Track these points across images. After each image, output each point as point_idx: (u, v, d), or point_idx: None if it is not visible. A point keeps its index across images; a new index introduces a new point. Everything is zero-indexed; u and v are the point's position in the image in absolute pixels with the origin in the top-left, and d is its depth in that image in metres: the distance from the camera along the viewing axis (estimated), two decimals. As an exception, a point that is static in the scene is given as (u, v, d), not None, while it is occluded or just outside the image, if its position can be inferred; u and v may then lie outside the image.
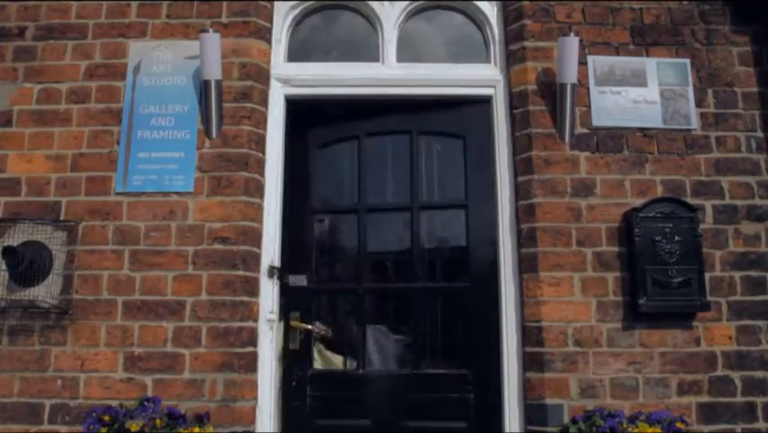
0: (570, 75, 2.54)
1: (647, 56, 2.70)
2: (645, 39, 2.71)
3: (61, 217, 2.49)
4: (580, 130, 2.62)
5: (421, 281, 2.80)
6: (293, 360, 2.69)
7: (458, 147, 2.86)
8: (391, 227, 2.97)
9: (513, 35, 2.75)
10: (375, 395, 2.69)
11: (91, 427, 2.14)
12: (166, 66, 2.65)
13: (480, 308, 2.65)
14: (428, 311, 2.83)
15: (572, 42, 2.53)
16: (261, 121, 2.67)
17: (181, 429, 2.18)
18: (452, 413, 2.61)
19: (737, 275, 2.51)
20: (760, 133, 2.66)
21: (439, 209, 2.92)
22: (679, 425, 2.19)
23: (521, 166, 2.63)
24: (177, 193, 2.52)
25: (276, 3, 2.85)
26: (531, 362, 2.44)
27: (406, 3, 2.92)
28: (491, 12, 2.89)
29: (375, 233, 2.88)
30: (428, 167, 2.92)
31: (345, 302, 3.02)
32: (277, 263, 2.62)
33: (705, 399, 2.38)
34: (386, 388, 2.71)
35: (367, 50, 2.92)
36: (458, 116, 2.86)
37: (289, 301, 2.71)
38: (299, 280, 2.72)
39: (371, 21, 2.95)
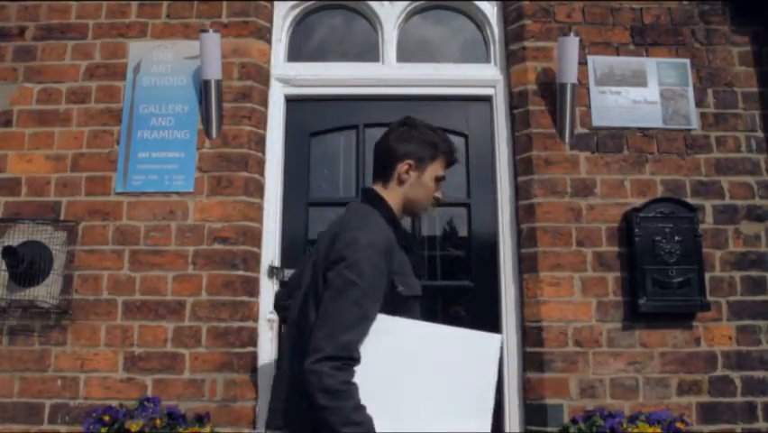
0: (570, 75, 2.54)
1: (647, 56, 2.70)
2: (645, 39, 2.71)
3: (61, 217, 2.49)
4: (580, 130, 2.62)
5: (422, 280, 2.79)
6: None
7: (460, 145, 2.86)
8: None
9: (513, 35, 2.76)
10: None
11: (91, 427, 2.14)
12: (166, 66, 2.65)
13: (481, 308, 2.66)
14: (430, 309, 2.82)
15: (572, 42, 2.53)
16: (261, 121, 2.67)
17: (181, 429, 2.18)
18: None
19: (737, 275, 2.51)
20: (760, 133, 2.66)
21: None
22: (679, 425, 2.19)
23: (521, 166, 2.63)
24: (177, 193, 2.52)
25: (276, 3, 2.85)
26: (531, 362, 2.44)
27: (407, 3, 2.92)
28: (491, 12, 2.89)
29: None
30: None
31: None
32: (277, 263, 2.61)
33: (705, 399, 2.38)
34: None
35: (367, 50, 2.92)
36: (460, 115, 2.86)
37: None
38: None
39: (371, 21, 2.95)
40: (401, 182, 1.62)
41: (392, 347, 1.42)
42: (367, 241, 1.45)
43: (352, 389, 1.35)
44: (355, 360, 1.38)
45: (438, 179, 1.68)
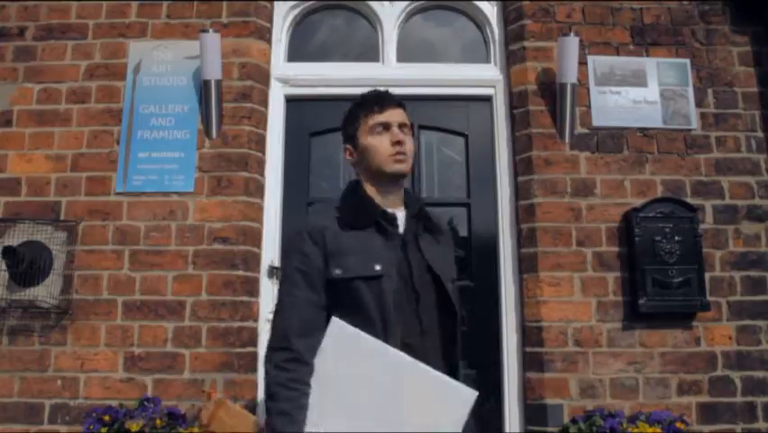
0: (570, 75, 2.54)
1: (647, 56, 2.70)
2: (645, 39, 2.72)
3: (61, 217, 2.49)
4: (580, 130, 2.62)
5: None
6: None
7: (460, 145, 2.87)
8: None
9: (513, 35, 2.76)
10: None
11: (91, 427, 2.14)
12: (166, 66, 2.65)
13: (481, 308, 2.65)
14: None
15: (572, 42, 2.53)
16: (261, 121, 2.67)
17: (181, 429, 2.18)
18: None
19: (737, 275, 2.51)
20: (760, 133, 2.66)
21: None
22: (679, 425, 2.19)
23: (521, 166, 2.63)
24: (177, 193, 2.52)
25: (276, 3, 2.85)
26: (531, 362, 2.44)
27: (407, 3, 2.92)
28: (491, 12, 2.90)
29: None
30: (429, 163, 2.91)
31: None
32: (277, 263, 2.61)
33: (705, 399, 2.38)
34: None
35: (367, 51, 2.92)
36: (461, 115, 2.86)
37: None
38: None
39: (371, 21, 2.95)
40: (356, 164, 1.63)
41: (367, 369, 1.38)
42: (294, 233, 1.54)
43: (284, 394, 1.35)
44: (293, 350, 1.39)
45: (378, 128, 1.57)
